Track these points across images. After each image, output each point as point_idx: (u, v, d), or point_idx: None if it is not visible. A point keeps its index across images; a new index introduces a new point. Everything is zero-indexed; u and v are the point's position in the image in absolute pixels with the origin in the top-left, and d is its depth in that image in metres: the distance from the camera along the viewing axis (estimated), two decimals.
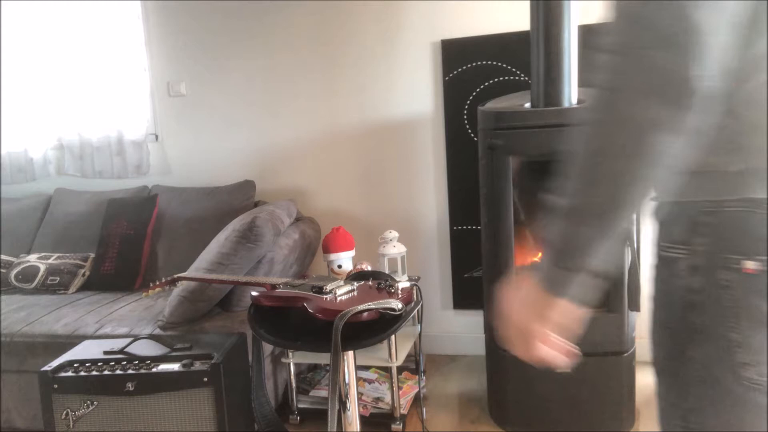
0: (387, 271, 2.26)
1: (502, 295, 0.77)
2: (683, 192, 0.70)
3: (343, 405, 1.58)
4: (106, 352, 1.73)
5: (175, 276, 1.77)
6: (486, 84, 2.56)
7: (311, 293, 1.45)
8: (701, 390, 0.70)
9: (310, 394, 2.28)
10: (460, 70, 2.59)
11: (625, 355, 1.90)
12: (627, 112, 0.59)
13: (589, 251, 0.66)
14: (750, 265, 0.65)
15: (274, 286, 1.53)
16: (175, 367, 1.64)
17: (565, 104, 1.87)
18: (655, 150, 0.60)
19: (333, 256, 2.27)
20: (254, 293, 1.51)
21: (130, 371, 1.63)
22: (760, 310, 0.66)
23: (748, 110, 0.66)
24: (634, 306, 1.86)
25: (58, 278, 2.57)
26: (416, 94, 2.70)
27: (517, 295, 0.74)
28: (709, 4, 0.57)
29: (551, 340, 0.72)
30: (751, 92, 0.66)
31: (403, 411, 2.15)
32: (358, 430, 1.67)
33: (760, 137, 0.66)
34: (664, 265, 0.73)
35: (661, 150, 0.60)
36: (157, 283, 1.73)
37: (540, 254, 0.72)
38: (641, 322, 2.42)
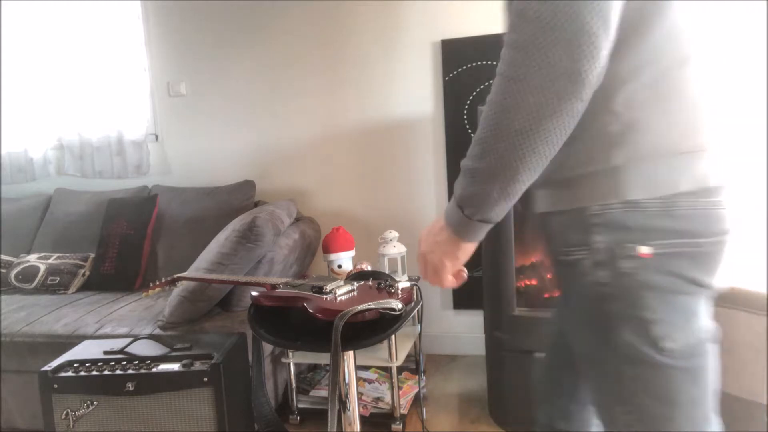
0: (387, 271, 2.26)
1: (421, 237, 0.91)
2: (570, 201, 0.79)
3: (343, 405, 1.58)
4: (106, 352, 1.73)
5: (175, 276, 1.77)
6: (486, 84, 2.56)
7: (311, 293, 1.45)
8: (633, 370, 0.78)
9: (310, 394, 2.28)
10: (460, 70, 2.59)
11: None
12: (526, 99, 0.69)
13: (489, 206, 0.77)
14: (644, 250, 0.75)
15: (274, 286, 1.53)
16: (175, 367, 1.64)
17: None
18: (548, 130, 0.70)
19: (333, 256, 2.27)
20: (254, 293, 1.51)
21: (130, 371, 1.63)
22: (661, 286, 0.75)
23: (627, 110, 0.75)
24: None
25: (58, 278, 2.57)
26: (416, 94, 2.70)
27: (433, 238, 0.87)
28: (601, 9, 0.66)
29: (454, 271, 0.87)
30: (631, 93, 0.75)
31: (403, 411, 2.15)
32: (358, 430, 1.67)
33: (638, 136, 0.75)
34: (567, 268, 0.82)
35: (551, 134, 0.70)
36: (157, 283, 1.73)
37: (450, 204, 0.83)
38: None
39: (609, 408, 0.84)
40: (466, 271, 0.90)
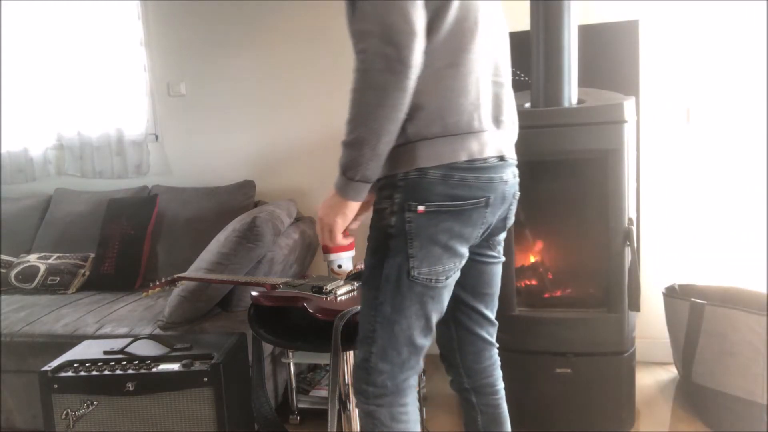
0: None
1: (319, 207, 1.14)
2: (388, 169, 1.08)
3: (343, 405, 1.58)
4: (106, 352, 1.73)
5: (175, 276, 1.77)
6: None
7: (311, 293, 1.45)
8: (387, 286, 1.11)
9: (310, 394, 2.28)
10: None
11: (625, 355, 1.90)
12: (373, 81, 0.97)
13: (364, 166, 1.02)
14: (421, 207, 1.06)
15: (274, 286, 1.53)
16: (175, 367, 1.64)
17: (565, 104, 1.87)
18: (392, 103, 0.98)
19: (333, 256, 2.27)
20: (254, 293, 1.51)
21: (130, 371, 1.63)
22: (428, 234, 1.07)
23: (415, 95, 1.02)
24: (634, 306, 1.86)
25: (58, 278, 2.57)
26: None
27: (327, 203, 1.11)
28: (420, 10, 0.97)
29: (343, 228, 1.13)
30: (417, 83, 1.01)
31: None
32: (358, 430, 1.67)
33: (422, 113, 1.05)
34: (377, 213, 1.12)
35: (395, 103, 0.98)
36: (157, 283, 1.73)
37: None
38: (641, 322, 2.43)
39: (364, 313, 1.16)
40: (351, 234, 1.19)
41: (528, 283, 2.10)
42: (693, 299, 2.02)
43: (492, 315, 1.33)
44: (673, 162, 2.44)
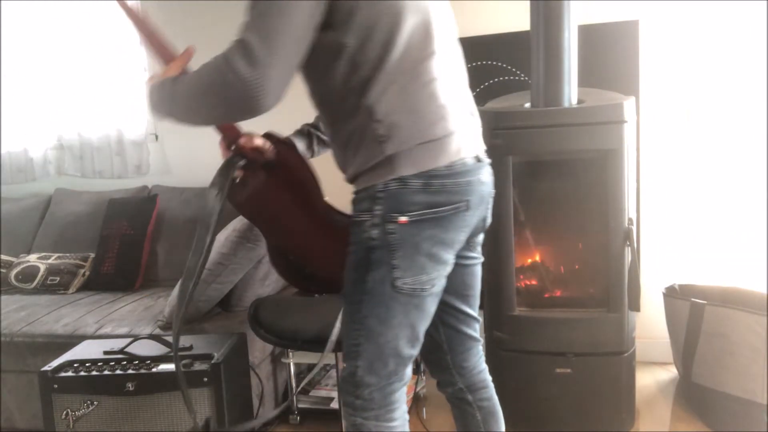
0: None
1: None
2: (364, 182, 1.09)
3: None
4: (106, 352, 1.73)
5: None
6: (486, 84, 2.56)
7: None
8: (371, 299, 1.09)
9: (310, 394, 2.28)
10: None
11: (625, 355, 1.90)
12: (225, 82, 1.01)
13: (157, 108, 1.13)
14: (403, 218, 1.05)
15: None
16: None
17: (565, 104, 1.87)
18: (217, 113, 1.10)
19: None
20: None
21: (130, 371, 1.63)
22: (411, 243, 1.06)
23: (387, 116, 1.04)
24: (634, 306, 1.86)
25: (58, 278, 2.57)
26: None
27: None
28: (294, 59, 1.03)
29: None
30: (385, 105, 1.04)
31: None
32: None
33: (399, 131, 1.04)
34: (356, 226, 1.11)
35: (219, 114, 1.11)
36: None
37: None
38: (641, 322, 2.43)
39: (348, 328, 1.15)
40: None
41: (528, 283, 2.10)
42: (693, 299, 2.02)
43: (475, 312, 1.34)
44: (673, 162, 2.44)
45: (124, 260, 2.60)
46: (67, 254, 2.68)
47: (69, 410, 1.64)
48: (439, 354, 1.34)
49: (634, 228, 1.87)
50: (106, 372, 1.64)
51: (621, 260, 1.86)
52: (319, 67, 1.07)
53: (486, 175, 1.16)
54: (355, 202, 1.13)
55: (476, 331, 1.35)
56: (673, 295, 2.15)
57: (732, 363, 1.91)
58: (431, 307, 1.15)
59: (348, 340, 1.15)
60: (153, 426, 1.63)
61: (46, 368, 1.66)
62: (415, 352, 1.16)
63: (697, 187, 2.43)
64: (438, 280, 1.13)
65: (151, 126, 3.01)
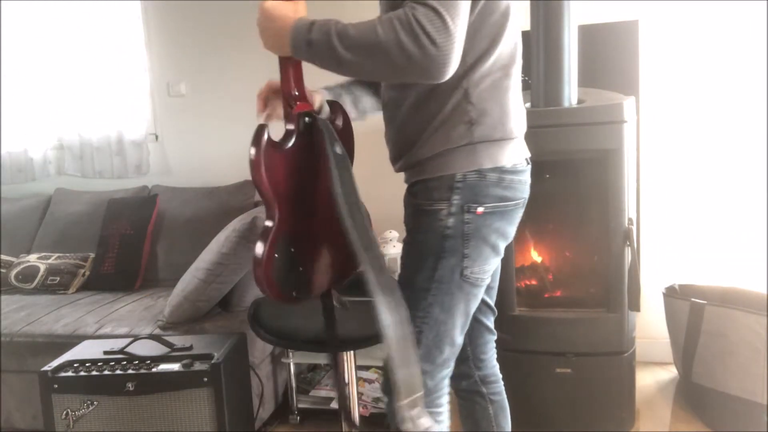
0: None
1: (266, 8, 1.15)
2: (437, 170, 1.11)
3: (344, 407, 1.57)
4: (106, 352, 1.73)
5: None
6: None
7: None
8: (440, 287, 1.12)
9: (310, 394, 2.28)
10: None
11: (625, 355, 1.90)
12: (402, 45, 0.95)
13: (321, 59, 1.06)
14: (480, 209, 1.09)
15: None
16: (175, 367, 1.64)
17: (565, 104, 1.87)
18: (392, 71, 1.00)
19: None
20: None
21: (130, 371, 1.63)
22: (482, 234, 1.11)
23: (479, 102, 1.08)
24: (634, 306, 1.86)
25: (58, 278, 2.57)
26: None
27: (272, 24, 1.17)
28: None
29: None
30: (480, 91, 1.08)
31: None
32: (358, 430, 1.67)
33: (486, 119, 1.08)
34: (428, 215, 1.12)
35: (395, 72, 1.00)
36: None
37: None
38: (641, 322, 2.42)
39: (410, 314, 1.11)
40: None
41: (528, 283, 2.10)
42: (693, 299, 2.02)
43: (493, 304, 1.38)
44: (673, 162, 2.44)
45: (124, 260, 2.60)
46: (67, 254, 2.68)
47: (69, 410, 1.64)
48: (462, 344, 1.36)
49: (634, 228, 1.86)
50: (106, 372, 1.64)
51: (621, 260, 1.86)
52: None
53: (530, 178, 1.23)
54: (425, 190, 1.14)
55: (492, 323, 1.39)
56: (673, 295, 2.15)
57: (732, 363, 1.91)
58: (481, 296, 1.20)
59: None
60: (153, 426, 1.63)
61: (46, 368, 1.66)
62: (462, 340, 1.20)
63: (697, 187, 2.43)
64: (492, 270, 1.18)
65: (151, 126, 3.01)
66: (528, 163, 1.20)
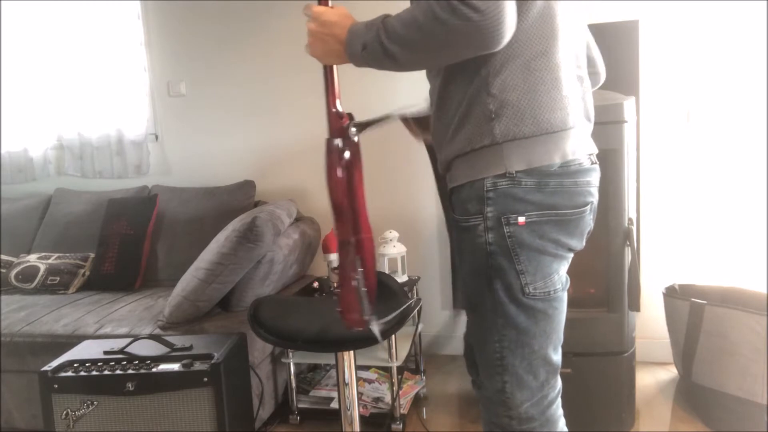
0: (387, 271, 2.26)
1: (319, 13, 1.01)
2: (468, 174, 0.98)
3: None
4: (106, 352, 1.73)
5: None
6: None
7: None
8: (505, 308, 0.99)
9: (310, 394, 2.28)
10: None
11: (625, 355, 1.90)
12: (452, 22, 0.84)
13: (377, 62, 0.94)
14: (521, 219, 0.95)
15: None
16: (175, 367, 1.64)
17: None
18: (448, 50, 0.89)
19: (333, 256, 2.27)
20: None
21: (130, 371, 1.63)
22: (531, 245, 0.96)
23: (501, 92, 0.94)
24: (634, 306, 1.86)
25: (58, 278, 2.57)
26: (417, 93, 2.69)
27: (328, 29, 1.01)
28: None
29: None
30: (503, 79, 0.93)
31: (403, 411, 2.15)
32: (358, 430, 1.67)
33: (511, 111, 0.94)
34: (466, 231, 1.00)
35: (449, 51, 0.89)
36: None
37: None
38: (641, 322, 2.43)
39: (483, 340, 1.04)
40: None
41: None
42: (693, 299, 2.02)
43: None
44: (673, 162, 2.44)
45: (124, 260, 2.60)
46: (67, 254, 2.68)
47: (69, 410, 1.64)
48: None
49: (634, 228, 1.86)
50: (106, 372, 1.64)
51: (621, 260, 1.86)
52: None
53: (597, 181, 1.06)
54: (458, 202, 1.01)
55: None
56: (673, 295, 2.15)
57: (732, 363, 1.91)
58: (565, 303, 1.06)
59: (487, 355, 1.04)
60: (153, 426, 1.63)
61: (46, 368, 1.66)
62: (560, 356, 1.08)
63: (697, 187, 2.43)
64: (564, 274, 1.05)
65: (151, 126, 3.01)
66: (592, 162, 1.03)
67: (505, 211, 0.95)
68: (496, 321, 1.01)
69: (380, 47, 0.92)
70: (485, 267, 0.99)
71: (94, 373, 1.64)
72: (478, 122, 0.95)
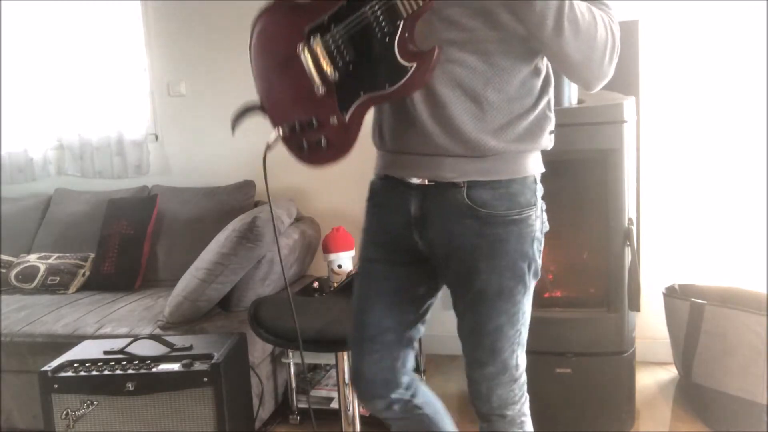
0: None
1: None
2: (521, 170, 1.07)
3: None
4: (106, 352, 1.73)
5: None
6: None
7: None
8: (530, 290, 1.11)
9: (310, 394, 2.28)
10: None
11: (625, 355, 1.90)
12: (612, 40, 1.00)
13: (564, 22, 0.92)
14: (545, 207, 1.13)
15: None
16: (175, 367, 1.64)
17: (565, 104, 1.87)
18: (605, 65, 1.01)
19: (333, 256, 2.27)
20: None
21: (130, 371, 1.63)
22: (541, 233, 1.11)
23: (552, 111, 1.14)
24: (634, 306, 1.86)
25: (58, 278, 2.57)
26: None
27: None
28: None
29: None
30: (550, 79, 1.13)
31: None
32: (358, 430, 1.67)
33: (551, 113, 1.14)
34: (513, 224, 1.06)
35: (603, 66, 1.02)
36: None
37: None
38: (641, 322, 2.42)
39: (509, 323, 1.12)
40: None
41: None
42: (693, 299, 2.02)
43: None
44: (673, 162, 2.44)
45: (124, 260, 2.60)
46: (67, 254, 2.68)
47: (69, 410, 1.64)
48: None
49: (634, 228, 1.87)
50: (106, 372, 1.64)
51: (621, 260, 1.86)
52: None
53: None
54: (503, 197, 1.06)
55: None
56: (673, 295, 2.15)
57: (732, 363, 1.91)
58: None
59: (508, 337, 1.15)
60: (153, 426, 1.64)
61: (46, 368, 1.66)
62: None
63: (697, 187, 2.43)
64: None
65: (151, 126, 3.01)
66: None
67: (542, 202, 1.11)
68: (523, 303, 1.11)
69: (565, 7, 0.89)
70: (530, 254, 1.08)
71: (94, 373, 1.64)
72: (539, 124, 1.09)
